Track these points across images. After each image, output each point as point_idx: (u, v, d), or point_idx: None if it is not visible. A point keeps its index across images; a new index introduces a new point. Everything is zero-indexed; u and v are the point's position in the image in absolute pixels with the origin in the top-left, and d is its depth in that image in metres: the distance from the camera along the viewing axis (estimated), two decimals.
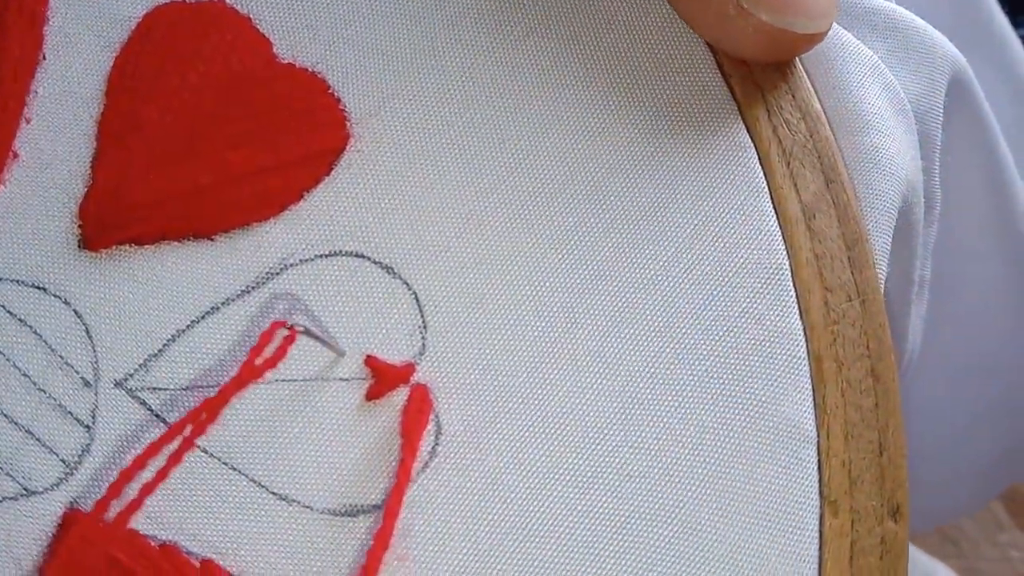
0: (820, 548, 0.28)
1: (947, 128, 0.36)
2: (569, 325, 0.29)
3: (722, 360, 0.29)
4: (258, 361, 0.27)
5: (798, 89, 0.31)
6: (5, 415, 0.27)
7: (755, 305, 0.29)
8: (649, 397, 0.28)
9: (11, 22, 0.30)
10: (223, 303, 0.28)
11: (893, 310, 0.36)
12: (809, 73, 0.32)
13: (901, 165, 0.33)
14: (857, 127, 0.33)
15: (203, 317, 0.28)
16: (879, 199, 0.32)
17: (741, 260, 0.30)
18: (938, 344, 0.42)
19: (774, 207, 0.30)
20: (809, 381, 0.29)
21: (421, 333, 0.29)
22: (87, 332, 0.28)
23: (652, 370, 0.29)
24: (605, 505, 0.28)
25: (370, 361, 0.28)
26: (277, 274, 0.29)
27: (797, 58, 0.32)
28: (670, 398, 0.29)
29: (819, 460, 0.29)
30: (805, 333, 0.29)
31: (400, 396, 0.28)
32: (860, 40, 0.33)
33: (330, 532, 0.27)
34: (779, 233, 0.30)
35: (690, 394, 0.29)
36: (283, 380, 0.28)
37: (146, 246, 0.29)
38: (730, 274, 0.29)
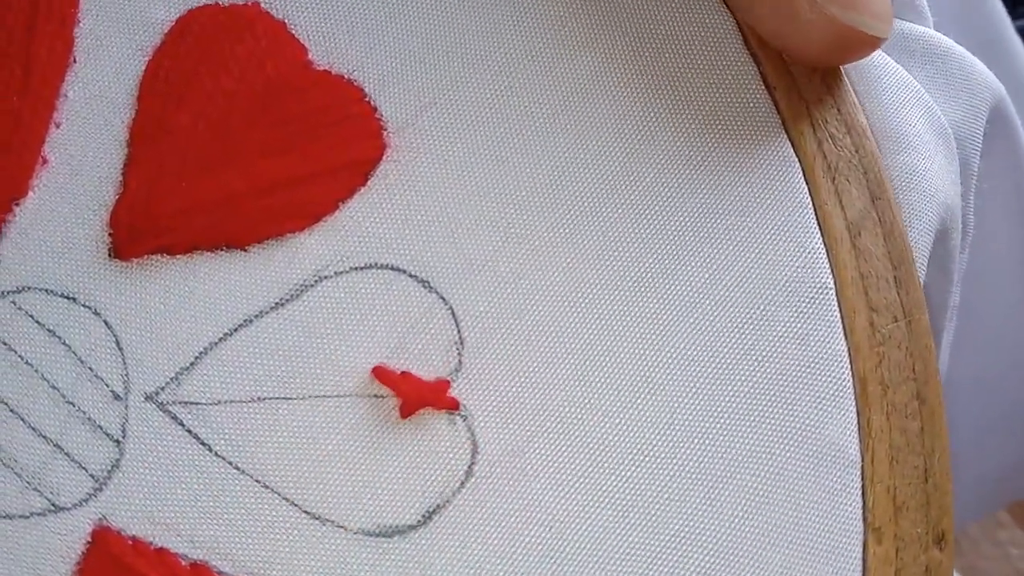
0: None
1: (984, 156, 0.36)
2: (609, 343, 0.28)
3: (765, 381, 0.28)
4: None
5: (843, 103, 0.31)
6: (33, 428, 0.27)
7: (799, 325, 0.29)
8: (690, 419, 0.28)
9: (41, 24, 0.29)
10: (256, 315, 0.28)
11: None
12: (853, 89, 0.32)
13: (940, 188, 0.33)
14: (896, 147, 0.32)
15: (236, 329, 0.28)
16: (916, 220, 0.32)
17: (785, 278, 0.29)
18: (953, 364, 0.42)
19: (819, 224, 0.30)
20: (854, 404, 0.29)
21: (457, 349, 0.28)
22: (117, 343, 0.28)
23: (694, 391, 0.28)
24: (644, 529, 0.27)
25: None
26: (311, 286, 0.28)
27: (843, 72, 0.31)
28: (712, 420, 0.28)
29: (863, 486, 0.28)
30: (850, 354, 0.29)
31: (434, 416, 0.28)
32: (899, 64, 0.33)
33: (364, 553, 0.27)
34: (824, 251, 0.30)
35: (732, 416, 0.28)
36: (317, 396, 0.27)
37: (178, 256, 0.28)
38: (774, 292, 0.29)
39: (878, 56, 0.33)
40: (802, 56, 0.30)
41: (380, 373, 0.28)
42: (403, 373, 0.28)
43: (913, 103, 0.34)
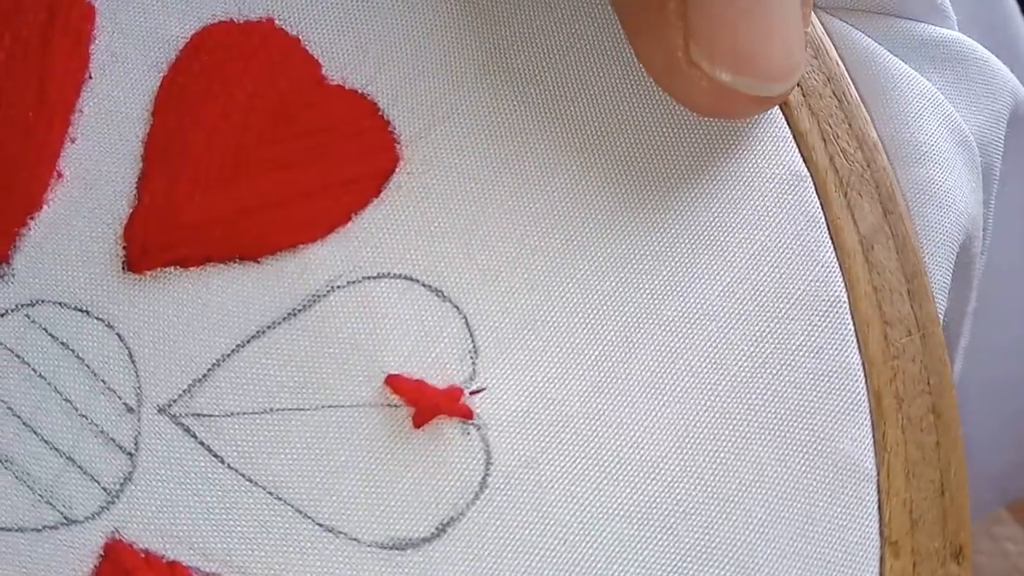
0: None
1: (1004, 159, 0.36)
2: (623, 355, 0.28)
3: (779, 395, 0.29)
4: None
5: (854, 118, 0.31)
6: (46, 441, 0.27)
7: (813, 339, 0.29)
8: (705, 432, 0.28)
9: (57, 40, 0.30)
10: (269, 326, 0.28)
11: (947, 343, 0.36)
12: (865, 103, 0.32)
13: (959, 199, 0.33)
14: (913, 158, 0.33)
15: (248, 341, 0.28)
16: (935, 232, 0.32)
17: (798, 292, 0.29)
18: (964, 366, 0.42)
19: (831, 238, 0.30)
20: (868, 418, 0.29)
21: (472, 358, 0.28)
22: (130, 356, 0.28)
23: (708, 404, 0.28)
24: (659, 543, 0.27)
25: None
26: (324, 296, 0.28)
27: (854, 86, 0.32)
28: (726, 433, 0.28)
29: (879, 500, 0.28)
30: (864, 368, 0.29)
31: (448, 425, 0.28)
32: (919, 72, 0.33)
33: (377, 566, 0.27)
34: (836, 265, 0.30)
35: (747, 429, 0.28)
36: (330, 407, 0.28)
37: (191, 268, 0.29)
38: (787, 306, 0.29)
39: (896, 65, 0.33)
40: (688, 107, 0.29)
41: (394, 382, 0.28)
42: (417, 381, 0.28)
43: (931, 113, 0.33)
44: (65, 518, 0.27)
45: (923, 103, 0.33)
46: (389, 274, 0.29)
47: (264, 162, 0.30)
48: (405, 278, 0.29)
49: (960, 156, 0.33)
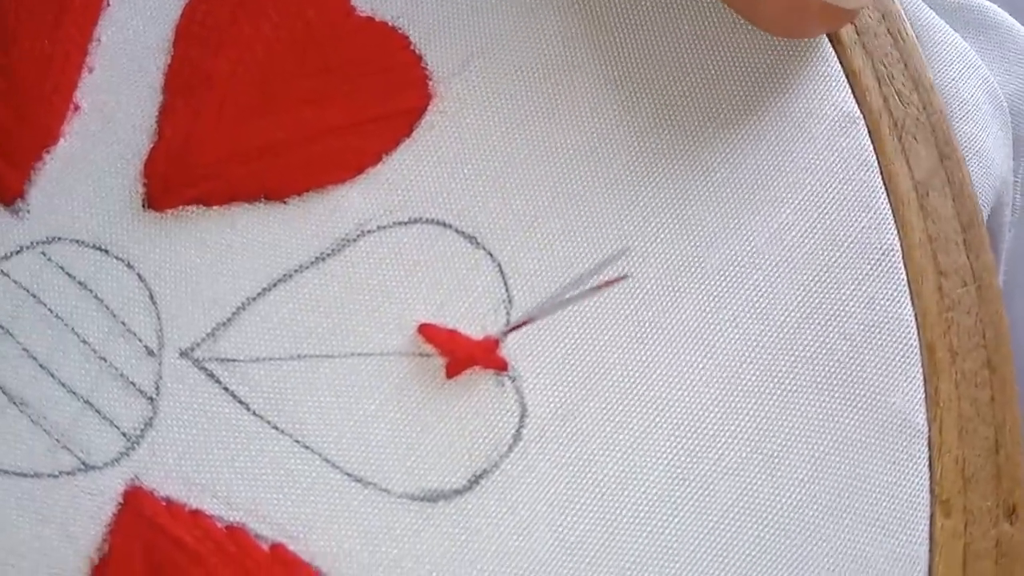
0: (930, 551, 0.27)
1: None
2: (664, 304, 0.27)
3: (828, 346, 0.28)
4: None
5: (911, 58, 0.30)
6: (63, 384, 0.26)
7: (864, 288, 0.28)
8: (749, 383, 0.27)
9: None
10: (296, 270, 0.27)
11: None
12: None
13: (995, 160, 0.32)
14: (954, 115, 0.32)
15: (275, 285, 0.27)
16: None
17: (849, 239, 0.28)
18: None
19: (884, 184, 0.29)
20: (921, 372, 0.28)
21: (506, 307, 0.27)
22: (151, 298, 0.27)
23: (753, 354, 0.27)
24: (699, 499, 0.27)
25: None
26: (354, 241, 0.28)
27: (909, 24, 0.30)
28: (771, 385, 0.27)
29: (930, 456, 0.27)
30: (917, 320, 0.28)
31: (482, 376, 0.27)
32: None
33: (408, 517, 0.26)
34: (890, 212, 0.29)
35: (793, 381, 0.27)
36: (359, 354, 0.27)
37: (214, 207, 0.28)
38: (837, 254, 0.28)
39: (936, 22, 0.32)
40: (759, 22, 0.29)
41: (427, 331, 0.27)
42: (450, 331, 0.27)
43: (972, 73, 0.33)
44: (83, 463, 0.26)
45: (963, 62, 0.32)
46: (421, 219, 0.28)
47: (291, 96, 0.29)
48: (438, 223, 0.28)
49: (996, 118, 0.32)
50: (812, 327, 0.28)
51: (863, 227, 0.29)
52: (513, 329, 0.26)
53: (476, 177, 0.28)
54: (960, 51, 0.33)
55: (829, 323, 0.28)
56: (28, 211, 0.27)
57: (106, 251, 0.27)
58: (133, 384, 0.27)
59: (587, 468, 0.27)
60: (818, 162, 0.29)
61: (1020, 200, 0.36)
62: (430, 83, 0.29)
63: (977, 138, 0.32)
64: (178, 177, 0.28)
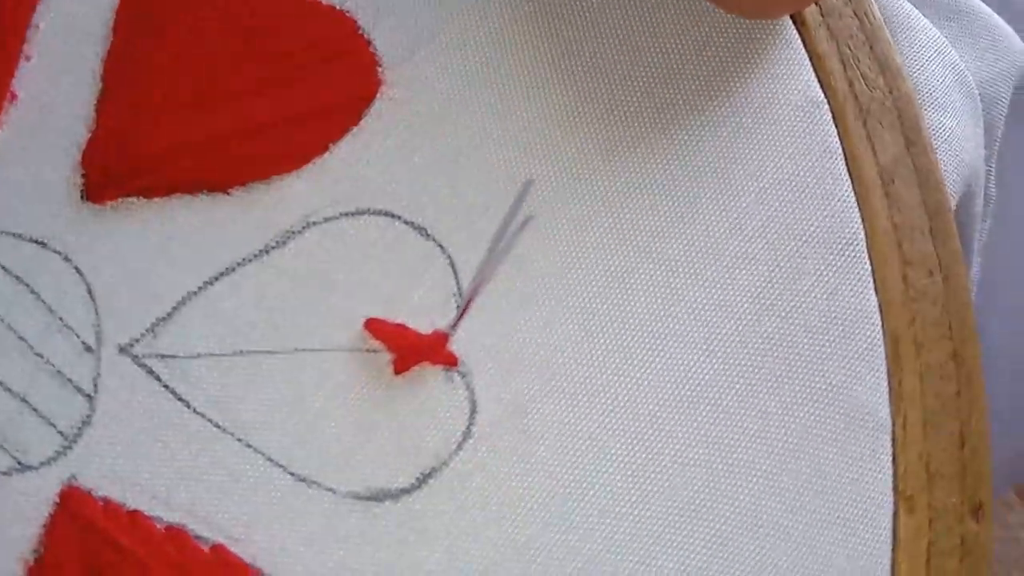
0: (893, 549, 0.26)
1: (1012, 124, 0.34)
2: (620, 297, 0.27)
3: (788, 339, 0.27)
4: None
5: (877, 40, 0.29)
6: None
7: (826, 278, 0.27)
8: (707, 376, 0.27)
9: None
10: (239, 263, 0.27)
11: None
12: None
13: (965, 148, 0.32)
14: (922, 102, 0.31)
15: (217, 278, 0.26)
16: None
17: (811, 228, 0.28)
18: None
19: (848, 171, 0.28)
20: (884, 364, 0.27)
21: (456, 301, 0.27)
22: (89, 292, 0.26)
23: (711, 349, 0.27)
24: (655, 495, 0.26)
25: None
26: (299, 233, 0.27)
27: (875, 5, 0.29)
28: (731, 379, 0.27)
29: (894, 452, 0.27)
30: (881, 311, 0.27)
31: (431, 372, 0.26)
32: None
33: (354, 517, 0.25)
34: (854, 200, 0.28)
35: (753, 375, 0.27)
36: (304, 350, 0.26)
37: (155, 199, 0.27)
38: (799, 244, 0.28)
39: (904, 7, 0.32)
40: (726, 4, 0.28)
41: (373, 326, 0.26)
42: (398, 326, 0.26)
43: (940, 59, 0.33)
44: (18, 463, 0.25)
45: (932, 49, 0.31)
46: (369, 210, 0.27)
47: (235, 85, 0.28)
48: (386, 214, 0.27)
49: (967, 106, 0.32)
50: (772, 319, 0.27)
51: (826, 215, 0.28)
52: (459, 319, 0.26)
53: (425, 166, 0.28)
54: (929, 37, 0.32)
55: (790, 315, 0.27)
56: None
57: (43, 244, 0.27)
58: (70, 381, 0.26)
59: (540, 466, 0.26)
60: (780, 149, 0.28)
61: (995, 190, 0.36)
62: (379, 69, 0.28)
63: (945, 125, 0.31)
64: (117, 168, 0.27)
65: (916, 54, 0.32)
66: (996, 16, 0.35)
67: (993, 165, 0.35)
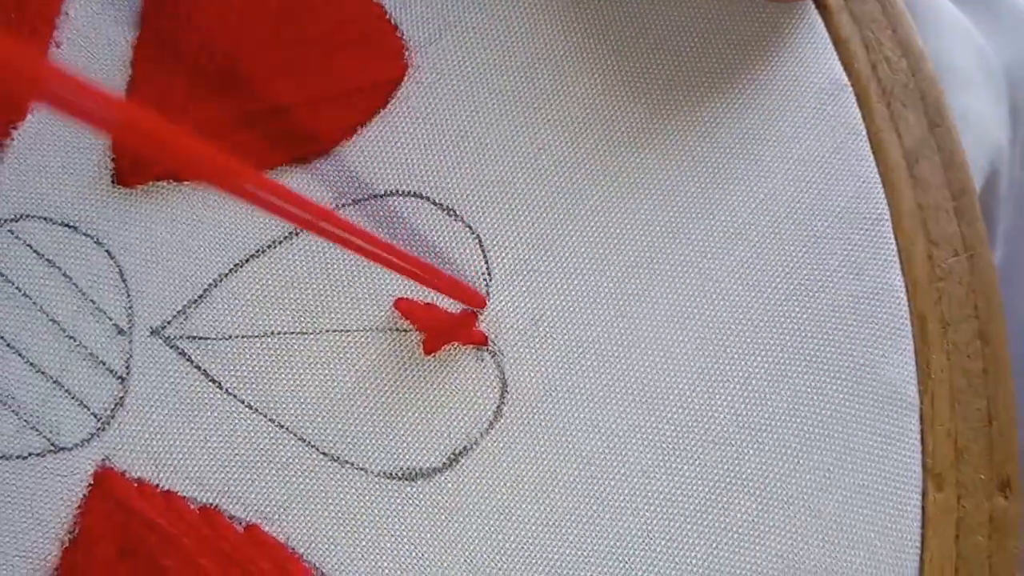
0: (923, 525, 0.26)
1: None
2: (649, 276, 0.27)
3: (816, 318, 0.27)
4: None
5: (899, 24, 0.29)
6: (31, 364, 0.26)
7: (853, 258, 0.27)
8: (736, 356, 0.27)
9: None
10: (269, 246, 0.27)
11: None
12: None
13: (990, 130, 0.32)
14: (948, 85, 0.31)
15: (247, 260, 0.27)
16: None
17: (837, 209, 0.28)
18: None
19: (873, 151, 0.28)
20: (911, 343, 0.27)
21: (485, 280, 0.27)
22: (121, 275, 0.26)
23: (739, 328, 0.27)
24: (686, 473, 0.26)
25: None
26: None
27: None
28: (759, 359, 0.27)
29: (922, 429, 0.27)
30: (907, 290, 0.27)
31: (461, 352, 0.26)
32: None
33: (386, 497, 0.25)
34: (879, 180, 0.28)
35: (781, 355, 0.27)
36: (335, 330, 0.26)
37: (185, 183, 0.27)
38: (825, 224, 0.28)
39: None
40: None
41: (403, 305, 0.26)
42: (427, 305, 0.26)
43: (964, 40, 0.33)
44: (52, 445, 0.25)
45: (956, 30, 0.32)
46: (397, 192, 0.28)
47: (263, 69, 0.28)
48: (414, 196, 0.28)
49: (991, 88, 0.32)
50: (800, 299, 0.27)
51: (852, 196, 0.28)
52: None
53: (453, 148, 0.28)
54: (952, 19, 0.32)
55: (818, 294, 0.27)
56: None
57: (75, 228, 0.27)
58: (103, 363, 0.26)
59: (570, 444, 0.26)
60: (805, 131, 0.28)
61: (1020, 171, 0.36)
62: (406, 53, 0.28)
63: (970, 106, 0.31)
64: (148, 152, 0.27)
65: (939, 36, 0.32)
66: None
67: (1019, 146, 0.35)
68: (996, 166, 0.32)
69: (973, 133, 0.32)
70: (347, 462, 0.26)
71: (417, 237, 0.27)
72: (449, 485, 0.26)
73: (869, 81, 0.29)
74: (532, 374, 0.27)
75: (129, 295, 0.26)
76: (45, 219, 0.27)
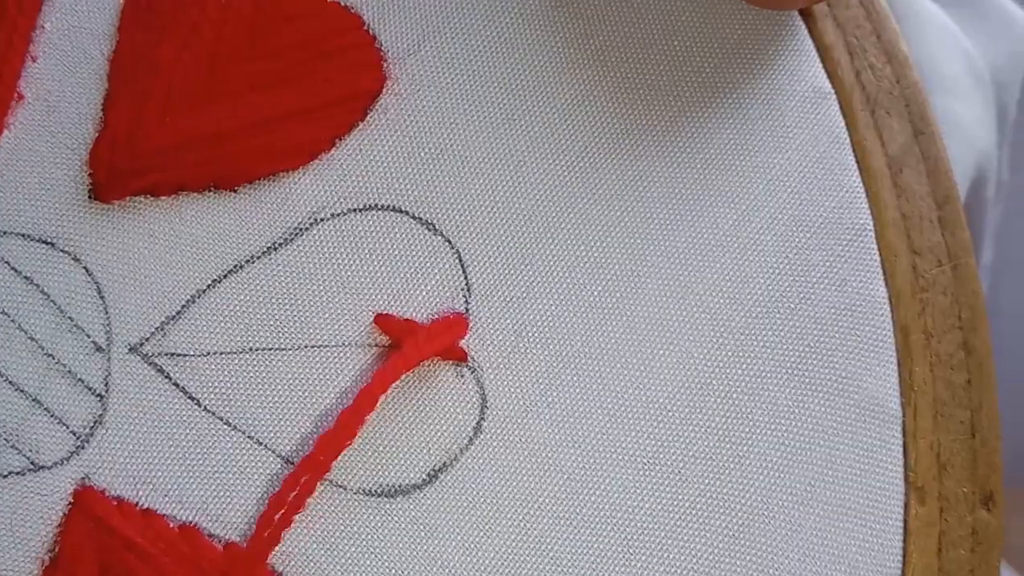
0: (905, 540, 0.26)
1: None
2: (628, 289, 0.27)
3: (798, 331, 0.27)
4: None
5: (884, 30, 0.29)
6: (10, 382, 0.26)
7: (835, 269, 0.27)
8: (717, 369, 0.27)
9: None
10: (247, 261, 0.27)
11: None
12: None
13: (977, 134, 0.32)
14: (934, 89, 0.31)
15: (225, 276, 0.27)
16: (952, 167, 0.30)
17: (820, 219, 0.28)
18: None
19: (856, 161, 0.28)
20: (894, 354, 0.27)
21: (464, 296, 0.27)
22: (99, 291, 0.26)
23: (720, 342, 0.27)
24: (667, 489, 0.26)
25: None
26: (306, 229, 0.27)
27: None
28: (740, 371, 0.27)
29: (905, 442, 0.27)
30: (890, 301, 0.28)
31: (441, 368, 0.26)
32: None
33: (365, 514, 0.25)
34: (862, 190, 0.28)
35: (762, 368, 0.27)
36: (314, 346, 0.26)
37: (163, 197, 0.27)
38: (807, 235, 0.28)
39: None
40: None
41: (383, 321, 0.26)
42: (407, 321, 0.26)
43: (950, 44, 0.32)
44: (32, 463, 0.26)
45: (942, 34, 0.31)
46: (376, 206, 0.27)
47: (240, 81, 0.28)
48: (393, 210, 0.28)
49: (978, 92, 0.32)
50: (781, 311, 0.27)
51: (834, 206, 0.28)
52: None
53: (432, 161, 0.28)
54: (938, 23, 0.32)
55: (799, 306, 0.27)
56: None
57: (52, 244, 0.27)
58: (82, 381, 0.26)
59: (551, 460, 0.26)
60: (787, 140, 0.28)
61: (1008, 175, 0.36)
62: (384, 65, 0.28)
63: (956, 112, 0.31)
64: (124, 167, 0.27)
65: (925, 40, 0.32)
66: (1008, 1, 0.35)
67: (1006, 150, 0.35)
68: (983, 170, 0.32)
69: (959, 138, 0.31)
70: (326, 479, 0.26)
71: (396, 251, 0.27)
72: (429, 502, 0.26)
73: (853, 89, 0.29)
74: (512, 390, 0.27)
75: (107, 312, 0.26)
76: (22, 235, 0.27)
